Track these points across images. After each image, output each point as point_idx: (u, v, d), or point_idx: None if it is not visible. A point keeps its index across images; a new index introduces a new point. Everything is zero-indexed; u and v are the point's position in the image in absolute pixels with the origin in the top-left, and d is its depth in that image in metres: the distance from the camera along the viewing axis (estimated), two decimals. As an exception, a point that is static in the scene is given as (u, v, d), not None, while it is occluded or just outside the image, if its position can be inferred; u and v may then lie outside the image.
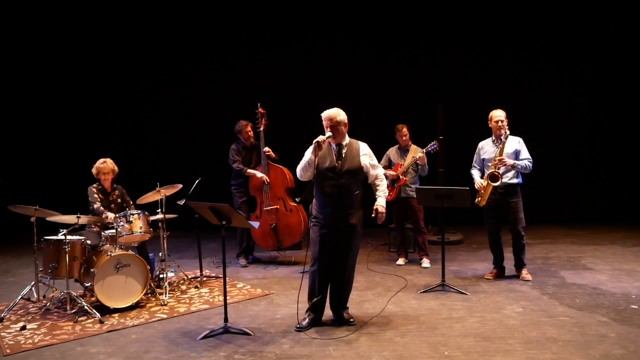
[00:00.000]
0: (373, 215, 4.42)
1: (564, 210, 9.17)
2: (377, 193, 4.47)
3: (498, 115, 5.59)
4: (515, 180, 5.55)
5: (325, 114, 4.27)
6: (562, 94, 9.23)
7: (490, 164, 5.56)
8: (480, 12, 9.00)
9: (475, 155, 5.83)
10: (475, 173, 5.75)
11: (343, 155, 4.28)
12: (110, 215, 5.36)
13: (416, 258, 6.57)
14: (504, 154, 5.46)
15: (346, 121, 4.29)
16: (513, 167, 5.47)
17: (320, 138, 4.16)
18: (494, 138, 5.68)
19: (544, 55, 9.13)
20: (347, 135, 4.34)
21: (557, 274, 5.86)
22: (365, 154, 4.38)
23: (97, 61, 9.19)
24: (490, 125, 5.66)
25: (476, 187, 5.60)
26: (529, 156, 5.55)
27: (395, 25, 9.05)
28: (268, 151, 6.43)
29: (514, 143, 5.57)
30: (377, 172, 4.47)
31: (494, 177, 5.46)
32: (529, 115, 8.46)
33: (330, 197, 4.24)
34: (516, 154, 5.53)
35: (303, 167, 4.26)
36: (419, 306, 4.85)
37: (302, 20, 9.02)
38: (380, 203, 4.42)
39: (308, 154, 4.24)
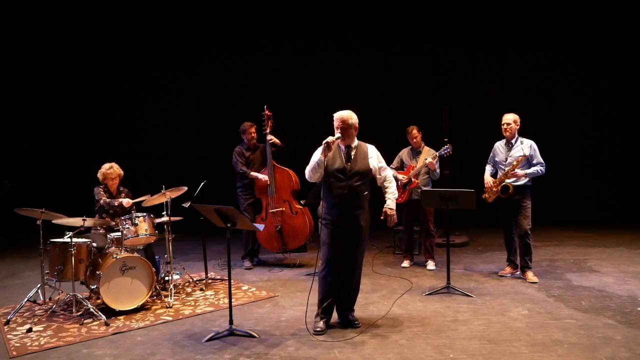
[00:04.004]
0: (382, 217, 4.41)
1: (570, 212, 9.12)
2: (386, 195, 4.45)
3: (505, 119, 5.67)
4: (522, 182, 5.57)
5: (337, 115, 4.28)
6: (568, 96, 9.19)
7: (502, 166, 5.70)
8: (486, 14, 8.98)
9: (491, 153, 5.92)
10: (488, 169, 5.90)
11: (352, 156, 4.29)
12: (125, 200, 5.43)
13: (421, 260, 6.56)
14: (511, 158, 5.59)
15: (357, 125, 4.30)
16: (525, 176, 5.51)
17: (330, 139, 4.16)
18: (505, 141, 5.74)
19: (550, 57, 9.10)
20: (356, 138, 4.35)
21: (563, 276, 5.83)
22: (374, 156, 4.39)
23: (103, 64, 9.23)
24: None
25: (485, 182, 5.78)
26: (541, 161, 5.57)
27: (402, 27, 9.05)
28: (271, 139, 6.38)
29: (524, 148, 5.57)
30: (386, 174, 4.45)
31: (504, 189, 5.55)
32: (535, 117, 8.42)
33: (340, 198, 4.25)
34: (527, 159, 5.54)
35: (312, 168, 4.27)
36: (424, 309, 4.84)
37: (309, 23, 9.04)
38: (390, 205, 4.40)
39: (316, 155, 4.25)
